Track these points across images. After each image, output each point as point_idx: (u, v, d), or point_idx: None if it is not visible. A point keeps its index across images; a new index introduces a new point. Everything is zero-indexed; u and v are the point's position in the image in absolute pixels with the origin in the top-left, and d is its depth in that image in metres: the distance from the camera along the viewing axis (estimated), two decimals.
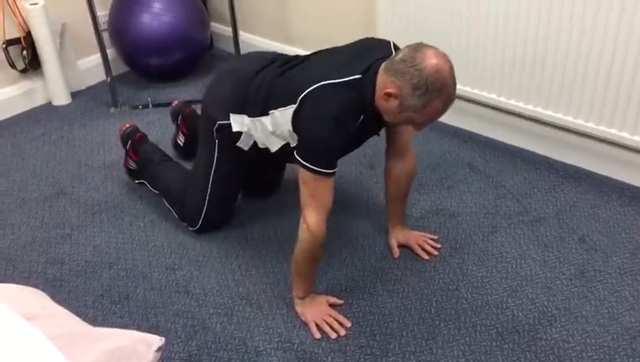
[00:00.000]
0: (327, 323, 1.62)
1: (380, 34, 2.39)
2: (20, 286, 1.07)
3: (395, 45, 1.63)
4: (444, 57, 1.46)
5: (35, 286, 1.41)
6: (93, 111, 2.71)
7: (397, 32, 2.33)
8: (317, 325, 1.62)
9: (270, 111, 1.65)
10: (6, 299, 0.92)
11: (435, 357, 1.53)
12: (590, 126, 2.01)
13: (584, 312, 1.62)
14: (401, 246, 1.85)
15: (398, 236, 1.86)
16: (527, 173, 2.15)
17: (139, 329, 1.20)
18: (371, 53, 1.59)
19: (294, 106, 1.55)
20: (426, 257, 1.82)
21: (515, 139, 2.29)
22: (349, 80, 1.52)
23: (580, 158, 2.15)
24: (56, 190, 2.21)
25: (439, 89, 1.43)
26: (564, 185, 2.08)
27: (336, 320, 1.62)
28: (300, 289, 1.65)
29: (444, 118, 2.43)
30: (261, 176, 2.05)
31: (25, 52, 2.62)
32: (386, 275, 1.78)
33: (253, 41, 2.99)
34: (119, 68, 2.90)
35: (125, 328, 1.28)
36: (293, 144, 1.63)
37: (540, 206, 2.00)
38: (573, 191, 2.05)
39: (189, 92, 2.79)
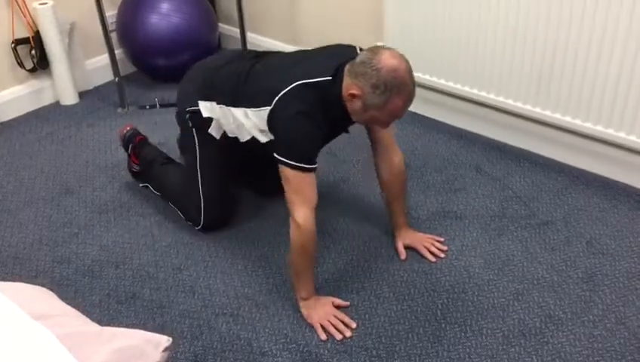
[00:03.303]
0: (332, 324, 1.62)
1: (388, 35, 2.39)
2: (28, 285, 1.07)
3: (360, 48, 1.69)
4: (401, 58, 1.54)
5: (42, 284, 1.42)
6: (101, 111, 2.72)
7: (404, 34, 2.33)
8: (322, 326, 1.62)
9: (242, 106, 1.71)
10: (15, 298, 0.92)
11: (441, 360, 1.52)
12: (598, 129, 2.00)
13: (591, 316, 1.62)
14: (407, 248, 1.85)
15: (403, 238, 1.86)
16: (534, 176, 2.14)
17: (145, 329, 1.20)
18: (339, 56, 1.66)
19: (269, 108, 1.61)
20: (433, 259, 1.82)
21: (522, 142, 2.28)
22: (321, 80, 1.61)
23: (587, 162, 2.14)
24: (64, 189, 2.22)
25: (397, 87, 1.51)
26: (572, 188, 2.08)
27: (342, 321, 1.62)
28: (301, 289, 1.66)
29: (451, 120, 2.46)
30: (270, 174, 2.05)
31: (33, 51, 2.64)
32: (392, 277, 1.77)
33: (261, 42, 2.99)
34: (127, 68, 2.91)
35: (131, 328, 1.29)
36: (262, 140, 1.69)
37: (548, 209, 1.99)
38: (580, 195, 2.04)
39: None
